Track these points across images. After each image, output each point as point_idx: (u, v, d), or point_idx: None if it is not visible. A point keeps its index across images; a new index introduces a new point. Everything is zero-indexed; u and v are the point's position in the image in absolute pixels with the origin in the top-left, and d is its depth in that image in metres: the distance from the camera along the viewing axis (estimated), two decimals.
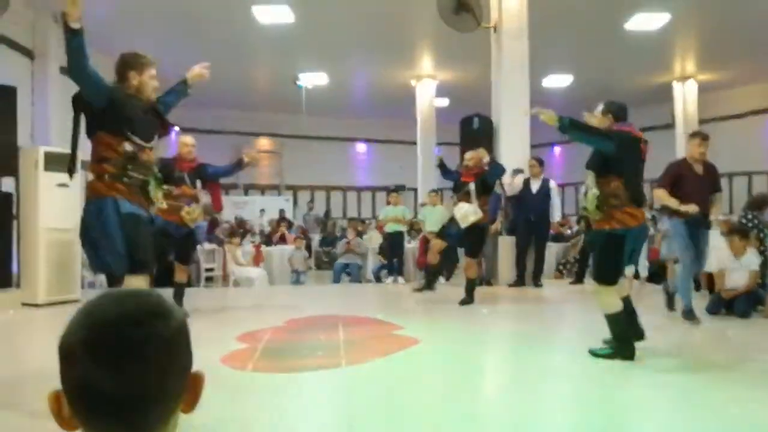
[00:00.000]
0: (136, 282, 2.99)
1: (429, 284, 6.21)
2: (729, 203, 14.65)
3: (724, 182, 16.79)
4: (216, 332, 4.68)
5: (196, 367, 0.77)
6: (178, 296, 5.21)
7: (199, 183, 5.31)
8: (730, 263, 5.63)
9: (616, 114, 3.75)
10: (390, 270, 8.85)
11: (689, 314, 4.97)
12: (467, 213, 5.76)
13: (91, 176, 3.15)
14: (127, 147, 3.07)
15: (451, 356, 4.03)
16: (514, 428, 2.65)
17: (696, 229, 4.96)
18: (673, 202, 4.77)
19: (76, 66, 2.92)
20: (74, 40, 2.86)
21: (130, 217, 3.06)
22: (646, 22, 10.48)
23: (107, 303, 0.72)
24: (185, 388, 0.74)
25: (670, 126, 14.25)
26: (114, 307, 0.71)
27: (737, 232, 5.78)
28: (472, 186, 5.84)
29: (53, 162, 5.97)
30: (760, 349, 4.25)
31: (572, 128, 3.57)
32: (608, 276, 3.65)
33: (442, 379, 3.51)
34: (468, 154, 6.16)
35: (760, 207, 6.28)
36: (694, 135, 5.24)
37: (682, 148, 14.28)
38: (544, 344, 4.45)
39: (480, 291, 7.06)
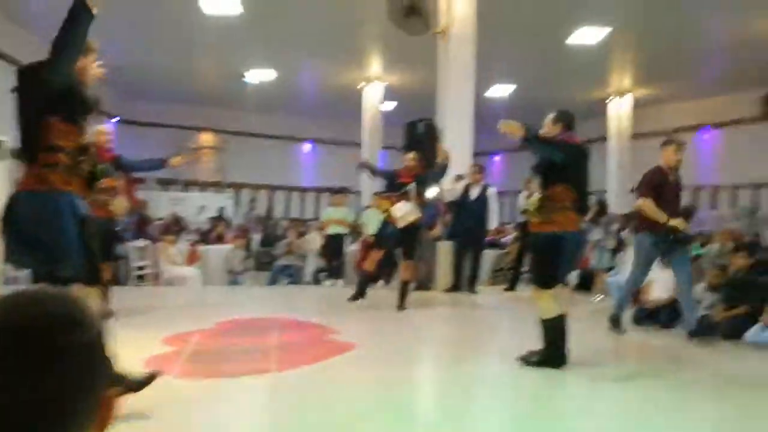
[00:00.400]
0: (90, 294, 2.78)
1: (361, 292, 6.11)
2: None
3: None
4: (141, 333, 4.47)
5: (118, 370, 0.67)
6: (102, 295, 4.95)
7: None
8: (655, 274, 5.81)
9: (567, 124, 3.87)
10: (330, 272, 8.76)
11: (615, 322, 4.85)
12: (407, 213, 5.77)
13: (28, 165, 2.83)
14: (83, 136, 2.84)
15: (385, 362, 3.99)
16: None
17: (670, 247, 4.71)
18: (661, 216, 4.59)
19: (77, 47, 2.67)
20: (89, 22, 2.64)
21: (88, 220, 2.82)
22: (587, 35, 10.83)
23: (14, 304, 0.63)
24: (96, 408, 0.65)
25: (603, 139, 14.79)
26: (22, 310, 0.62)
27: None
28: (411, 186, 5.84)
29: None
30: (680, 357, 4.43)
31: (535, 140, 3.62)
32: (546, 279, 3.70)
33: (375, 386, 3.45)
34: (410, 155, 6.19)
35: (686, 219, 6.57)
36: (668, 142, 5.02)
37: (614, 162, 14.94)
38: (478, 351, 4.48)
39: (417, 296, 7.09)
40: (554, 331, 3.64)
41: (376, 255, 6.20)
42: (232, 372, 3.52)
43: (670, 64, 12.67)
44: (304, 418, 2.82)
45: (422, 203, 6.00)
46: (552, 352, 3.63)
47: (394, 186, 5.99)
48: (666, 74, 13.46)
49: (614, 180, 14.96)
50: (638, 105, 15.22)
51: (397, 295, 6.10)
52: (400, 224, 5.81)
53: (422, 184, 5.95)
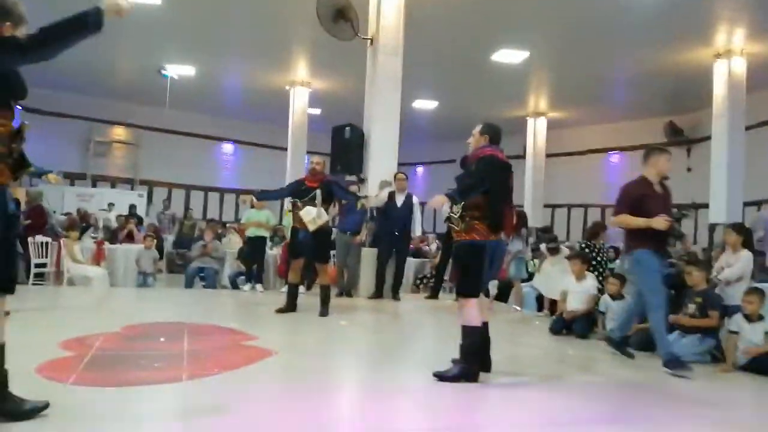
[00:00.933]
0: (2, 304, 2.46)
1: (291, 305, 5.95)
2: (567, 232, 16.16)
3: (561, 214, 18.33)
4: (38, 336, 4.11)
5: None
6: None
7: None
8: (572, 287, 6.06)
9: (492, 137, 3.92)
10: (249, 277, 8.45)
11: (677, 363, 4.18)
12: (315, 217, 5.74)
13: None
14: (16, 119, 2.49)
15: (305, 369, 3.83)
16: None
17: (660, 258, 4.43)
18: (640, 221, 4.32)
19: (56, 53, 2.37)
20: (92, 34, 2.39)
21: (15, 219, 2.50)
22: (508, 56, 11.24)
23: None
24: None
25: (520, 157, 15.39)
26: None
27: (579, 256, 6.27)
28: (317, 192, 5.81)
29: None
30: (595, 364, 4.59)
31: (461, 197, 3.67)
32: (470, 287, 3.71)
33: (294, 395, 3.30)
34: (315, 158, 6.21)
35: (596, 234, 6.89)
36: (661, 151, 4.66)
37: (530, 179, 15.59)
38: (399, 359, 4.43)
39: (340, 302, 6.98)
40: (473, 337, 3.66)
41: (297, 264, 6.07)
42: (137, 380, 3.24)
43: (583, 89, 13.43)
44: (235, 419, 2.64)
45: (328, 208, 5.98)
46: (467, 362, 3.63)
47: (302, 192, 5.91)
48: (579, 99, 14.24)
49: (530, 194, 15.61)
50: (552, 126, 15.98)
51: (320, 301, 5.98)
52: (311, 228, 5.75)
53: (327, 189, 5.91)
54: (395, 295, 7.79)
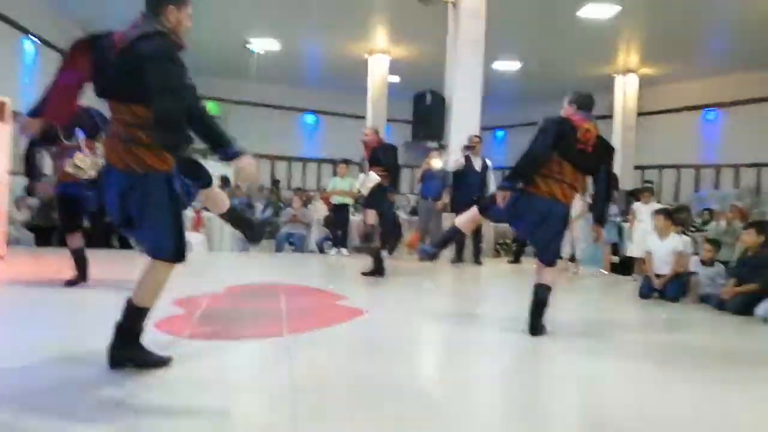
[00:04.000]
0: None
1: (379, 270, 6.18)
2: (659, 194, 15.41)
3: (652, 175, 17.45)
4: None
5: None
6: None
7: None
8: (655, 245, 5.84)
9: (580, 104, 3.86)
10: (334, 242, 8.80)
11: None
12: (365, 181, 6.19)
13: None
14: None
15: (396, 327, 4.05)
16: (453, 400, 2.69)
17: None
18: None
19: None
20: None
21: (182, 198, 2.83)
22: (597, 11, 10.70)
23: None
24: None
25: (607, 117, 14.73)
26: None
27: (663, 212, 6.02)
28: (365, 160, 6.32)
29: None
30: (690, 330, 4.51)
31: (517, 172, 3.71)
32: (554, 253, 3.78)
33: (388, 349, 3.50)
34: (367, 129, 6.62)
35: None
36: None
37: (619, 140, 14.91)
38: (484, 319, 4.54)
39: (422, 266, 7.15)
40: (546, 299, 3.73)
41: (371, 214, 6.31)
42: (243, 335, 3.56)
43: (677, 43, 12.55)
44: (320, 377, 2.87)
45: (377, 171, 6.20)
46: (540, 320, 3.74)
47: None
48: (672, 53, 13.34)
49: (619, 156, 14.91)
50: (644, 83, 15.12)
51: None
52: (364, 192, 6.20)
53: (376, 158, 6.18)
54: (477, 260, 7.86)
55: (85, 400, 2.29)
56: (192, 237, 8.72)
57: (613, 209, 7.35)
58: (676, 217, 6.12)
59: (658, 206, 6.85)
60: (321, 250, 9.09)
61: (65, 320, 3.81)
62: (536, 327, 3.73)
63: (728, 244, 6.96)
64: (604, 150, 3.85)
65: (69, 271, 4.80)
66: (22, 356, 2.80)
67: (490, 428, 2.36)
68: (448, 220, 7.96)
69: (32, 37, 10.27)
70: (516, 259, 8.33)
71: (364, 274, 6.15)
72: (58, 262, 5.33)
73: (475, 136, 8.03)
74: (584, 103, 3.87)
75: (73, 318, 3.88)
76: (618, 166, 14.42)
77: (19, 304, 4.30)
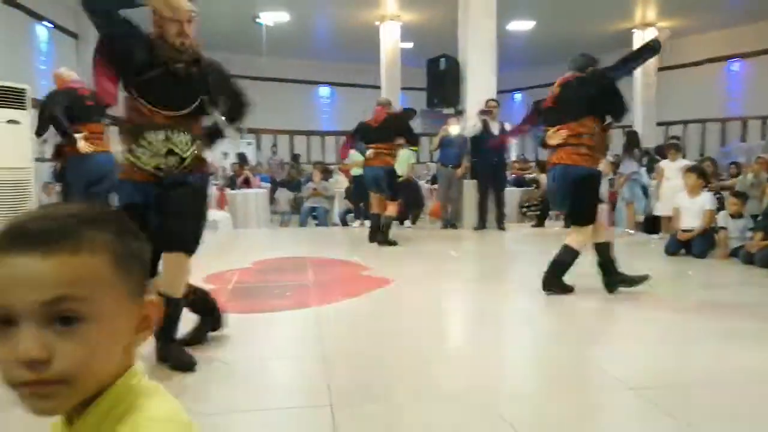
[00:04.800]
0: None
1: (386, 239, 6.33)
2: (684, 150, 15.09)
3: (677, 131, 17.10)
4: None
5: None
6: None
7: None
8: (685, 203, 5.78)
9: (576, 67, 4.16)
10: (357, 214, 8.84)
11: None
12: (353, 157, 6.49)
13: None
14: None
15: (424, 295, 4.10)
16: (491, 360, 2.73)
17: None
18: None
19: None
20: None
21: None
22: None
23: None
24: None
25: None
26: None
27: (694, 170, 5.93)
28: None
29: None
30: (720, 285, 4.48)
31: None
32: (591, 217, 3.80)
33: (419, 315, 3.57)
34: (380, 100, 6.71)
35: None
36: None
37: (639, 96, 14.58)
38: (510, 282, 4.57)
39: (446, 234, 7.18)
40: (564, 260, 3.80)
41: (376, 198, 6.57)
42: (274, 307, 3.65)
43: None
44: (353, 346, 2.94)
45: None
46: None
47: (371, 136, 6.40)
48: (692, 4, 12.91)
49: (640, 112, 14.62)
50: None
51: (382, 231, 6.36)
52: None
53: (385, 132, 6.30)
54: (500, 225, 7.84)
55: None
56: (217, 215, 8.84)
57: (632, 166, 7.22)
58: (703, 171, 6.02)
59: (686, 162, 6.73)
60: (344, 223, 9.15)
61: None
62: (545, 283, 3.81)
63: (755, 197, 6.83)
64: (579, 85, 4.01)
65: None
66: None
67: (528, 384, 2.41)
68: (469, 188, 7.96)
69: (45, 22, 10.33)
70: (540, 223, 8.30)
71: (379, 243, 6.24)
72: None
73: (492, 100, 7.92)
74: (578, 62, 4.19)
75: None
76: (639, 123, 14.18)
77: None
